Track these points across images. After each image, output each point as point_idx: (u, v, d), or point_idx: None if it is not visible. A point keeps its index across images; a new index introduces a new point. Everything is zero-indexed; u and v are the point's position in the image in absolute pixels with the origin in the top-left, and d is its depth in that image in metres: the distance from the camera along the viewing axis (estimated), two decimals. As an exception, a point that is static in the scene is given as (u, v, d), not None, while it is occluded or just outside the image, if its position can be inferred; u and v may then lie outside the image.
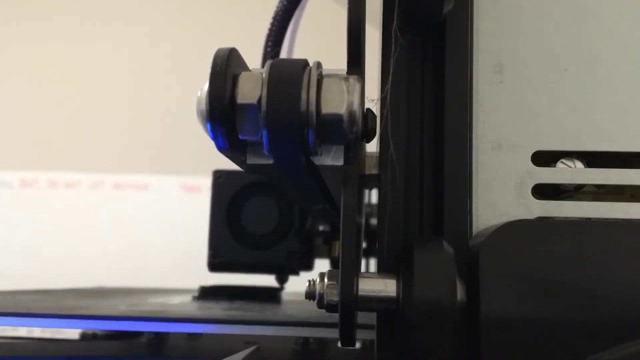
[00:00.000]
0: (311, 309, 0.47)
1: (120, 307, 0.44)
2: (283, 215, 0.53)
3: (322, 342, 0.41)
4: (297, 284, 0.60)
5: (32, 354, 0.41)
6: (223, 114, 0.21)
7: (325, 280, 0.24)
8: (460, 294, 0.23)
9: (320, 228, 0.55)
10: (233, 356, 0.32)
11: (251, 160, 0.23)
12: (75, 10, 1.62)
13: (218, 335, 0.41)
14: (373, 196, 0.60)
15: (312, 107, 0.21)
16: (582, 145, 0.27)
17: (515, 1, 0.28)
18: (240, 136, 0.22)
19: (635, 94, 0.27)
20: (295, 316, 0.41)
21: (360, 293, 0.24)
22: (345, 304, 0.23)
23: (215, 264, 0.53)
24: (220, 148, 0.22)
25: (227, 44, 0.23)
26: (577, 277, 0.23)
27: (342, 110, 0.21)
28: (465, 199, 0.26)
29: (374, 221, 0.52)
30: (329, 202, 0.32)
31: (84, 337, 0.47)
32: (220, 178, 0.54)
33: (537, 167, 0.27)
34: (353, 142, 0.22)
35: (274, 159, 0.22)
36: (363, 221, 0.39)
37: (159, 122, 1.54)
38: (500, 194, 0.27)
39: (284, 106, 0.21)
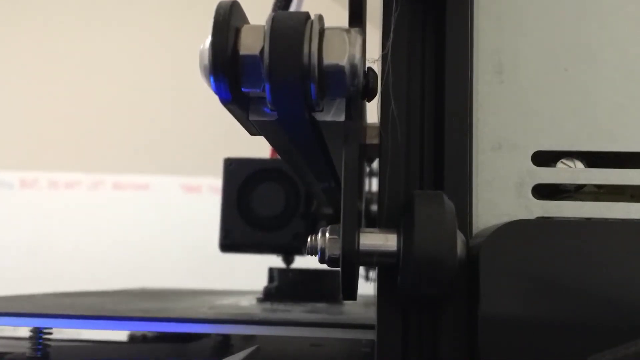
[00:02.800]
0: (374, 310, 0.47)
1: (202, 309, 0.44)
2: (289, 200, 0.57)
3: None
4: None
5: (107, 357, 0.41)
6: (226, 65, 0.21)
7: (327, 234, 0.25)
8: (460, 247, 0.23)
9: (325, 211, 0.58)
10: (233, 356, 0.32)
11: (254, 116, 0.23)
12: (76, 11, 1.62)
13: (283, 337, 0.41)
14: (374, 184, 0.60)
15: (314, 59, 0.21)
16: (582, 145, 0.27)
17: (515, 1, 0.28)
18: (243, 88, 0.22)
19: (635, 94, 0.27)
20: (362, 318, 0.41)
21: (362, 248, 0.24)
22: (346, 257, 0.23)
23: (226, 245, 0.57)
24: (223, 100, 0.22)
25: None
26: (577, 277, 0.23)
27: (344, 61, 0.21)
28: (465, 199, 0.26)
29: (374, 207, 0.53)
30: (331, 172, 0.32)
31: (132, 339, 0.47)
32: (231, 165, 0.58)
33: (537, 167, 0.27)
34: (354, 97, 0.22)
35: (277, 112, 0.22)
36: (363, 203, 0.39)
37: (159, 122, 1.54)
38: (500, 194, 0.27)
39: (286, 57, 0.21)
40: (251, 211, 0.56)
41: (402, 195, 0.26)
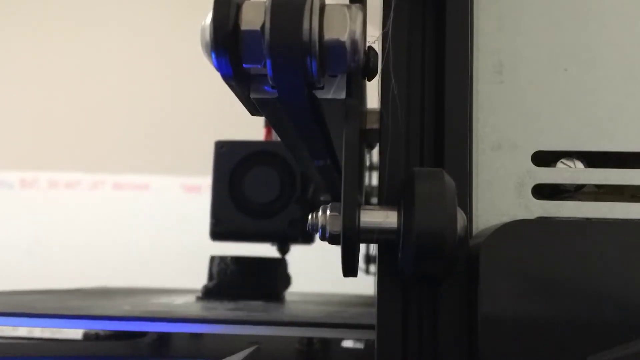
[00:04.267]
0: (315, 309, 0.47)
1: (125, 307, 0.44)
2: (284, 184, 0.53)
3: (326, 342, 0.41)
4: (300, 285, 0.60)
5: (35, 355, 0.41)
6: (227, 41, 0.21)
7: (328, 211, 0.25)
8: (460, 223, 0.23)
9: (322, 198, 0.55)
10: (233, 356, 0.32)
11: (254, 94, 0.23)
12: (76, 10, 1.62)
13: (221, 335, 0.41)
14: (374, 179, 0.60)
15: (315, 35, 0.21)
16: (582, 145, 0.27)
17: (515, 1, 0.28)
18: (244, 64, 0.22)
19: (635, 94, 0.27)
20: (299, 316, 0.41)
21: (362, 225, 0.24)
22: (347, 234, 0.23)
23: (217, 233, 0.54)
24: (225, 76, 0.22)
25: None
26: (577, 277, 0.23)
27: (344, 36, 0.22)
28: (465, 199, 0.26)
29: (374, 200, 0.52)
30: (330, 155, 0.32)
31: (86, 337, 0.47)
32: (222, 148, 0.54)
33: (537, 167, 0.27)
34: (355, 74, 0.23)
35: (277, 88, 0.22)
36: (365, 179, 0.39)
37: (159, 122, 1.54)
38: (500, 194, 0.27)
39: (287, 32, 0.21)
40: (244, 197, 0.53)
41: (403, 173, 0.26)
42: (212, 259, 0.56)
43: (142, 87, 1.57)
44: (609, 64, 0.28)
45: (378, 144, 0.27)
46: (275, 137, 0.60)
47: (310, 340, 0.40)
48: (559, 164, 0.27)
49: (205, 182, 1.46)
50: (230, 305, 0.47)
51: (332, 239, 0.24)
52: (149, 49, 1.59)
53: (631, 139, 0.27)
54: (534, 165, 0.27)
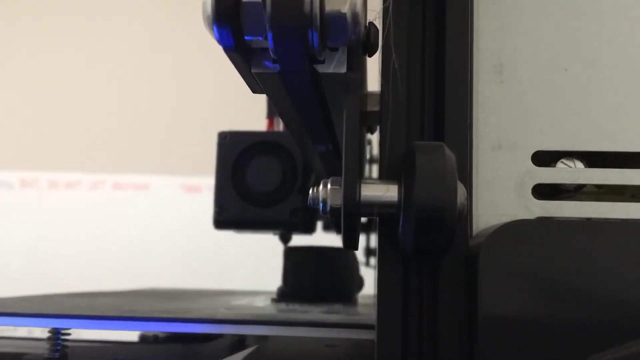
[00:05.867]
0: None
1: (220, 309, 0.43)
2: (286, 174, 0.54)
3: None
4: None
5: (124, 357, 0.41)
6: (228, 12, 0.21)
7: (329, 185, 0.25)
8: (460, 196, 0.23)
9: None
10: (233, 356, 0.32)
11: (256, 68, 0.23)
12: (75, 10, 1.62)
13: (295, 337, 0.41)
14: (374, 172, 0.60)
15: (316, 7, 0.21)
16: (582, 145, 0.27)
17: (515, 1, 0.28)
18: (245, 36, 0.22)
19: (635, 94, 0.27)
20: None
21: (363, 198, 0.24)
22: (347, 208, 0.23)
23: (220, 222, 0.54)
24: (226, 48, 0.22)
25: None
26: (577, 277, 0.23)
27: (345, 8, 0.22)
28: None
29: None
30: (331, 136, 0.32)
31: (143, 339, 0.47)
32: (225, 138, 0.55)
33: (537, 167, 0.27)
34: (356, 47, 0.23)
35: (278, 61, 0.22)
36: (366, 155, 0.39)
37: (159, 122, 1.54)
38: (500, 194, 0.27)
39: (289, 4, 0.21)
40: (246, 186, 0.54)
41: (403, 147, 0.26)
42: (287, 255, 0.55)
43: (142, 87, 1.57)
44: (609, 64, 0.28)
45: (379, 114, 0.27)
46: (277, 128, 0.60)
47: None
48: (559, 164, 0.27)
49: (205, 182, 1.46)
50: (320, 308, 0.47)
51: (333, 213, 0.25)
52: (149, 49, 1.59)
53: (631, 139, 0.27)
54: (534, 165, 0.27)
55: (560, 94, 0.28)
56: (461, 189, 0.23)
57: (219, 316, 0.36)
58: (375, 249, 0.60)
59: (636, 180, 0.27)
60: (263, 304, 0.50)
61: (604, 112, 0.27)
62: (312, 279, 0.53)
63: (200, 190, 1.44)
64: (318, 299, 0.52)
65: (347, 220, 0.24)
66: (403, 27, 0.27)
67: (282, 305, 0.49)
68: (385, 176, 0.26)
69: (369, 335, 0.34)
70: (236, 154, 0.54)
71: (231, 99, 1.34)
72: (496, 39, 0.28)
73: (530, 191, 0.27)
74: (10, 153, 1.55)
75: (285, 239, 0.58)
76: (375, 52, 0.24)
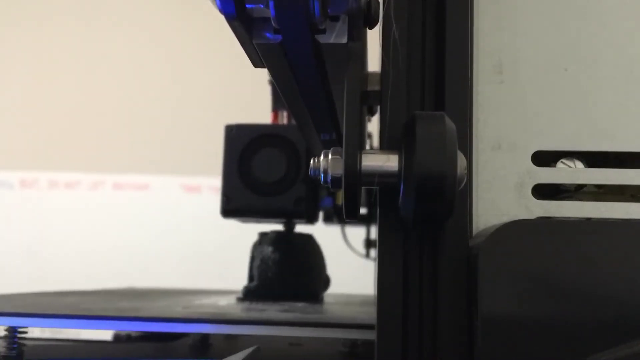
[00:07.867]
0: (355, 310, 0.47)
1: (176, 308, 0.44)
2: (290, 165, 0.56)
3: (370, 343, 0.41)
4: (338, 287, 0.61)
5: (81, 356, 0.41)
6: None
7: (330, 155, 0.25)
8: (460, 166, 0.23)
9: None
10: (233, 356, 0.32)
11: (257, 39, 0.23)
12: (75, 10, 1.62)
13: (258, 336, 0.41)
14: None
15: None
16: (582, 145, 0.27)
17: (515, 1, 0.28)
18: (247, 4, 0.22)
19: (635, 94, 0.27)
20: (342, 317, 0.41)
21: (363, 168, 0.24)
22: (348, 177, 0.24)
23: (228, 211, 0.56)
24: (228, 16, 0.22)
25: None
26: (577, 277, 0.23)
27: None
28: (465, 198, 0.26)
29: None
30: (332, 118, 0.32)
31: (117, 338, 0.47)
32: (232, 131, 0.57)
33: (537, 167, 0.27)
34: (357, 17, 0.23)
35: (280, 30, 0.22)
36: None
37: (159, 122, 1.54)
38: (500, 194, 0.27)
39: None
40: (252, 177, 0.56)
41: (404, 118, 0.26)
42: (253, 259, 0.57)
43: (142, 87, 1.57)
44: (609, 64, 0.28)
45: (380, 85, 0.27)
46: (281, 121, 0.62)
47: (354, 343, 0.40)
48: (559, 164, 0.27)
49: (205, 182, 1.46)
50: (276, 306, 0.47)
51: (334, 183, 0.25)
52: (150, 50, 1.59)
53: (631, 139, 0.27)
54: (534, 165, 0.27)
55: (560, 94, 0.28)
56: (461, 158, 0.23)
57: (168, 315, 0.37)
58: (374, 241, 0.60)
59: (636, 180, 0.27)
60: (226, 303, 0.50)
61: (604, 112, 0.27)
62: (277, 277, 0.55)
63: (200, 190, 1.44)
64: (283, 297, 0.53)
65: (348, 190, 0.24)
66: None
67: (246, 304, 0.50)
68: (385, 146, 0.26)
69: (332, 334, 0.35)
70: (243, 146, 0.56)
71: (231, 99, 1.34)
72: (496, 39, 0.28)
73: (530, 191, 0.27)
74: (10, 153, 1.55)
75: (289, 226, 0.59)
76: (376, 24, 0.24)
